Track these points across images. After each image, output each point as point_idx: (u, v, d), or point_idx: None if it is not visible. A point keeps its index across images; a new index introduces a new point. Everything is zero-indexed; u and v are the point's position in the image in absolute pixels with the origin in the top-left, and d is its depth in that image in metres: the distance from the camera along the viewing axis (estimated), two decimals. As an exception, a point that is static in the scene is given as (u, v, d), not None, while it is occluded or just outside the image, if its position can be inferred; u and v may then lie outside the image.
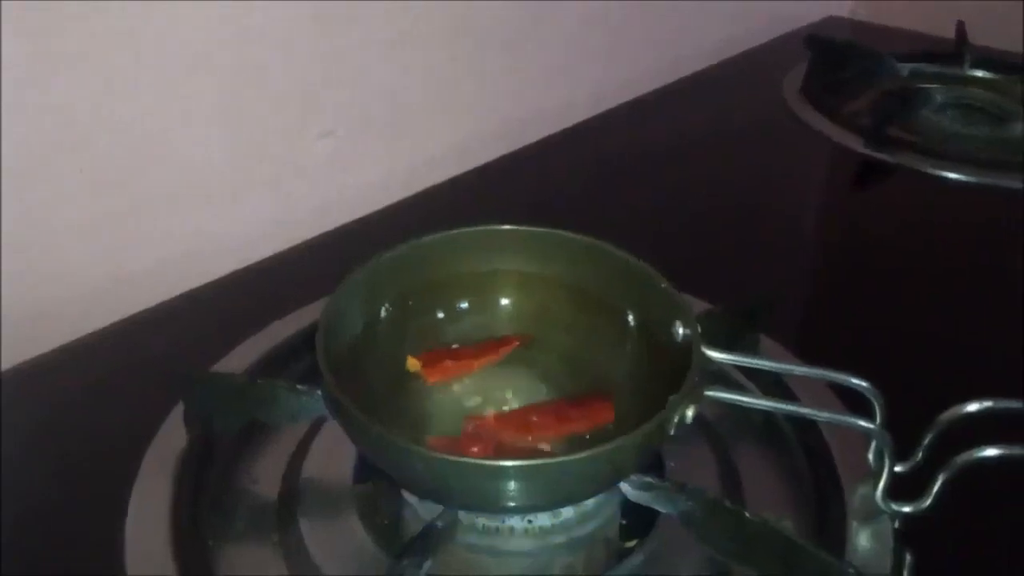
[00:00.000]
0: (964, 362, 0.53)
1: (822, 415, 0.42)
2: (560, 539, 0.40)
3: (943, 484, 0.39)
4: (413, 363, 0.43)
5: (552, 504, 0.38)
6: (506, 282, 0.46)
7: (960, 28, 0.94)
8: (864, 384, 0.40)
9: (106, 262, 0.56)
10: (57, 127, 0.51)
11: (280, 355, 0.49)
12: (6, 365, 0.50)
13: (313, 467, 0.43)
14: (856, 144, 0.78)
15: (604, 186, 0.72)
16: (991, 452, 0.38)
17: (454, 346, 0.45)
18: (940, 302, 0.60)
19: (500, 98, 0.76)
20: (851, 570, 0.34)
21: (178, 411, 0.44)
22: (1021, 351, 0.53)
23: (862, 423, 0.39)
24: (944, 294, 0.60)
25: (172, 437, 0.43)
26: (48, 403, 0.48)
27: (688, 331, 0.40)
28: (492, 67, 0.75)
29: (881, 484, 0.40)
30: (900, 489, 0.40)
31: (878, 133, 0.78)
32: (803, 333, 0.56)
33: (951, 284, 0.62)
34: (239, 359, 0.48)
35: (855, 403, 0.41)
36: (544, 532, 0.39)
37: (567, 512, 0.40)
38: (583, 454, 0.35)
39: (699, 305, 0.49)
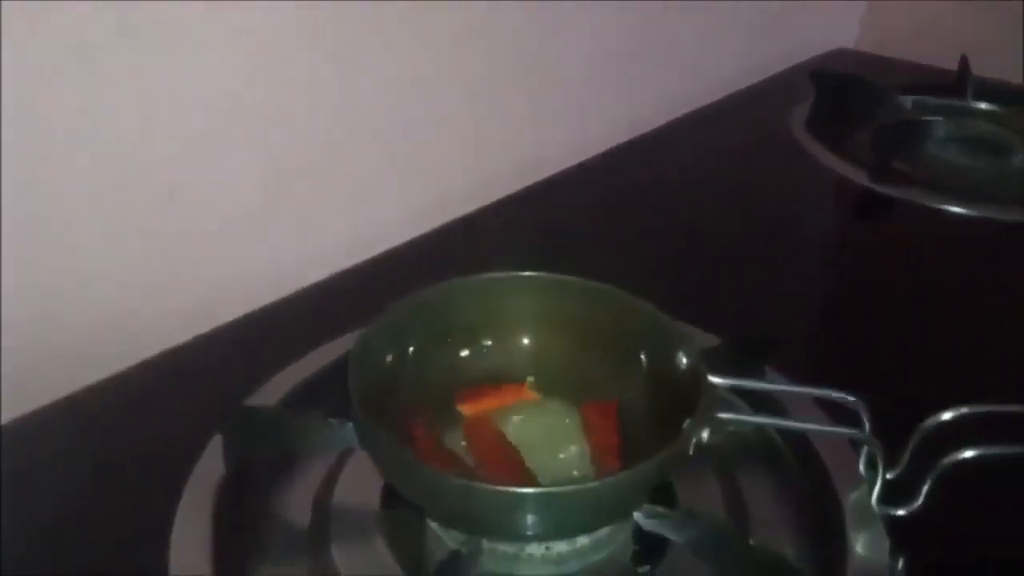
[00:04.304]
0: (941, 376, 0.57)
1: (821, 428, 0.47)
2: (576, 565, 0.42)
3: (931, 485, 0.43)
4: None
5: (577, 530, 0.41)
6: (524, 323, 0.49)
7: (963, 61, 0.97)
8: (852, 398, 0.44)
9: (142, 298, 0.59)
10: (102, 173, 0.54)
11: (309, 388, 0.52)
12: (51, 399, 0.53)
13: (342, 495, 0.45)
14: (861, 178, 0.80)
15: (616, 220, 0.75)
16: (971, 453, 0.42)
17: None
18: (932, 324, 0.63)
19: (515, 135, 0.79)
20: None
21: (215, 443, 0.46)
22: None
23: (856, 432, 0.44)
24: (926, 315, 0.64)
25: (210, 467, 0.45)
26: (86, 436, 0.51)
27: (692, 360, 0.44)
28: (508, 105, 0.78)
29: (876, 490, 0.44)
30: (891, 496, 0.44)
31: (881, 167, 0.80)
32: (802, 357, 0.59)
33: (944, 310, 0.65)
34: (270, 393, 0.51)
35: (841, 419, 0.45)
36: (561, 558, 0.42)
37: (583, 539, 0.42)
38: (614, 477, 0.39)
39: (705, 338, 0.52)
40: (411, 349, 0.47)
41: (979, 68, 0.96)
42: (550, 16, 0.76)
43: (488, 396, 0.48)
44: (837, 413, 0.46)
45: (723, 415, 0.42)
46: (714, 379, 0.44)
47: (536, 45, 0.77)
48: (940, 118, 0.91)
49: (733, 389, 0.47)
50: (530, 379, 0.49)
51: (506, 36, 0.74)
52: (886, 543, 0.43)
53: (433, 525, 0.43)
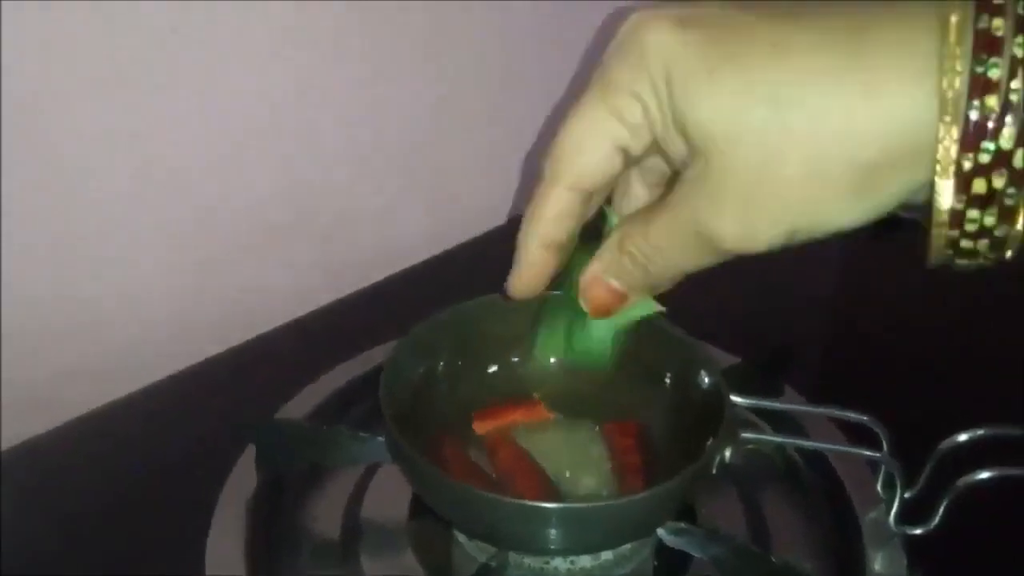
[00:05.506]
0: (959, 396, 0.58)
1: (840, 448, 0.48)
2: (600, 580, 0.43)
3: (948, 505, 0.44)
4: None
5: (602, 546, 0.42)
6: None
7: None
8: (868, 418, 0.45)
9: (171, 312, 0.60)
10: (135, 187, 0.55)
11: (337, 402, 0.53)
12: (82, 411, 0.54)
13: (371, 507, 0.46)
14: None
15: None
16: (987, 474, 0.43)
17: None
18: (949, 345, 0.64)
19: (540, 149, 0.80)
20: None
21: (248, 455, 0.48)
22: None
23: (874, 453, 0.44)
24: (944, 336, 0.65)
25: (243, 479, 0.46)
26: (117, 449, 0.52)
27: (715, 380, 0.44)
28: (531, 121, 0.79)
29: (893, 509, 0.44)
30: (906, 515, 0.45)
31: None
32: (819, 378, 0.60)
33: (961, 331, 0.66)
34: (299, 406, 0.52)
35: (859, 439, 0.46)
36: (585, 573, 0.43)
37: (606, 555, 0.43)
38: (641, 494, 0.39)
39: (724, 357, 0.53)
40: (441, 364, 0.48)
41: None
42: (574, 34, 0.77)
43: (501, 415, 0.49)
44: (855, 433, 0.47)
45: (746, 434, 0.44)
46: (735, 399, 0.45)
47: (560, 61, 0.78)
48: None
49: (753, 409, 0.48)
50: (536, 395, 0.50)
51: (530, 50, 0.75)
52: (903, 561, 0.43)
53: (461, 538, 0.44)
